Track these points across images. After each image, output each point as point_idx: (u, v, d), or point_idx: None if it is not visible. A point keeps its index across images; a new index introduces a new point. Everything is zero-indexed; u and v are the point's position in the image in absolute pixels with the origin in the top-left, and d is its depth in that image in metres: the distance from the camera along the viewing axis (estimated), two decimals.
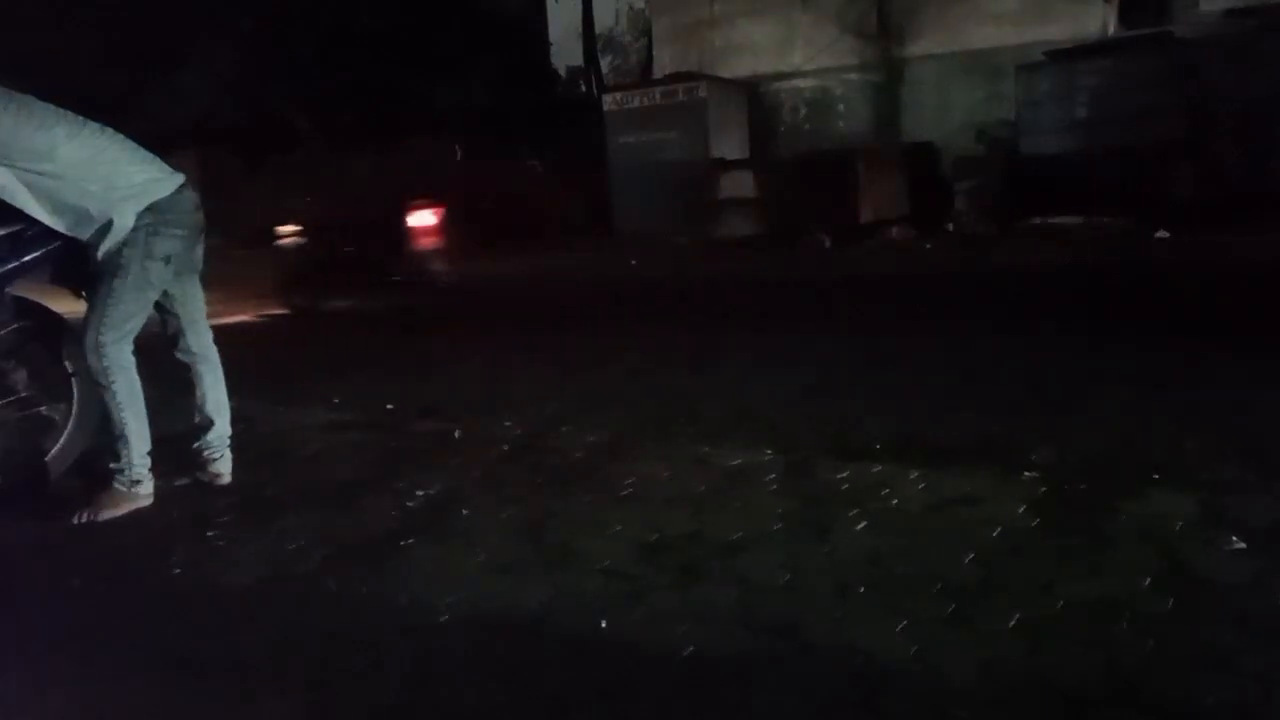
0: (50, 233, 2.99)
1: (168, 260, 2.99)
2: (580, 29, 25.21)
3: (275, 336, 7.44)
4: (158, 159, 3.08)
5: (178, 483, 3.16)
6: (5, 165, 2.79)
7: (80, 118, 2.98)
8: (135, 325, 2.98)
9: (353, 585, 2.37)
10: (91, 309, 2.95)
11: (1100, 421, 3.50)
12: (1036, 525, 2.50)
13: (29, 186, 2.82)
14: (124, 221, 2.88)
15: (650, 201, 15.09)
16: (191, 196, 3.07)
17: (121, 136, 3.05)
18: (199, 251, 3.17)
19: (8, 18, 13.91)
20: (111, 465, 2.97)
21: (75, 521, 2.88)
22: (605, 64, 28.94)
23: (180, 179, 3.06)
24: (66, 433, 3.18)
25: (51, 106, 2.94)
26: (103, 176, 2.89)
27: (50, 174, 2.82)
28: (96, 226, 2.88)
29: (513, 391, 4.65)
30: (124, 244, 2.89)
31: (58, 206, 2.86)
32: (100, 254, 2.90)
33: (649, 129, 15.86)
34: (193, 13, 16.92)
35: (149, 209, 2.92)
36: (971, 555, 2.32)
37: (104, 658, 2.06)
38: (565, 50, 27.07)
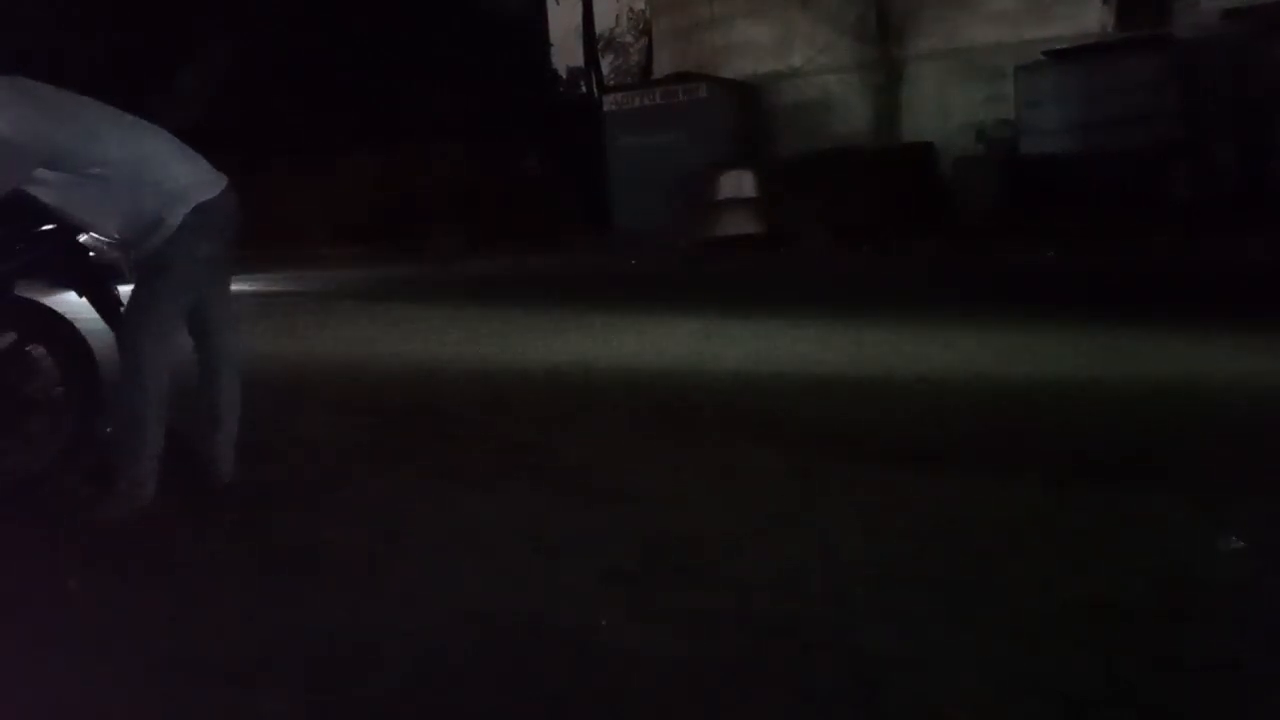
0: (54, 232, 2.99)
1: (210, 261, 2.98)
2: (580, 30, 25.21)
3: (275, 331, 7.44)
4: (202, 158, 3.03)
5: (180, 481, 3.15)
6: (55, 168, 2.71)
7: (127, 114, 2.94)
8: (174, 325, 2.96)
9: (352, 585, 2.37)
10: (131, 309, 2.92)
11: (1100, 421, 3.50)
12: (1036, 525, 2.50)
13: (80, 188, 2.76)
14: (172, 221, 2.84)
15: (650, 201, 15.10)
16: (233, 199, 3.04)
17: (167, 133, 3.00)
18: (231, 250, 3.15)
19: (7, 18, 13.90)
20: (118, 465, 2.95)
21: (77, 521, 2.87)
22: (605, 65, 28.91)
23: (224, 181, 3.03)
24: (69, 434, 3.18)
25: (97, 103, 2.89)
26: (153, 177, 2.85)
27: (101, 175, 2.76)
28: (145, 226, 2.84)
29: (511, 392, 4.65)
30: (168, 244, 2.85)
31: (107, 208, 2.81)
32: (144, 254, 2.86)
33: (649, 129, 15.87)
34: (192, 14, 16.91)
35: (195, 209, 2.88)
36: (971, 555, 2.31)
37: (104, 658, 2.06)
38: (565, 51, 27.07)
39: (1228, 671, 1.75)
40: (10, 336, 3.13)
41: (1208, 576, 2.14)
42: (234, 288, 3.29)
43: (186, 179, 2.93)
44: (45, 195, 2.76)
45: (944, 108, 15.48)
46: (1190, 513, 2.50)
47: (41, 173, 2.71)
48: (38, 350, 3.19)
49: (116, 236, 2.88)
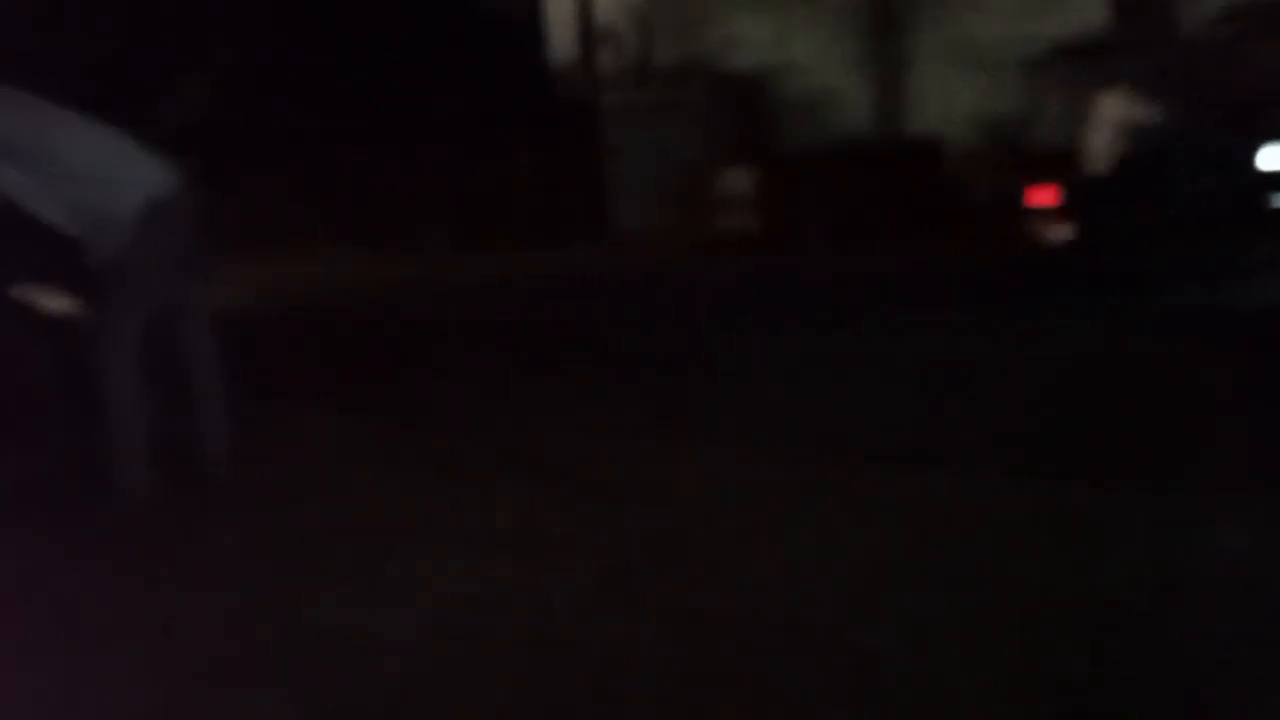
0: (47, 232, 2.99)
1: (172, 259, 3.00)
2: (577, 25, 25.15)
3: (274, 333, 7.43)
4: (159, 159, 3.10)
5: (176, 481, 3.15)
6: (13, 166, 2.80)
7: (85, 118, 3.01)
8: (138, 323, 2.98)
9: (352, 583, 2.36)
10: (96, 308, 2.96)
11: (1102, 419, 3.49)
12: (1037, 524, 2.49)
13: (38, 187, 2.84)
14: (125, 218, 2.89)
15: (649, 198, 15.08)
16: (193, 195, 3.08)
17: (125, 136, 3.07)
18: (201, 250, 3.17)
19: (7, 18, 13.88)
20: (112, 463, 2.96)
21: (75, 521, 2.87)
22: (603, 60, 28.86)
23: (180, 179, 3.07)
24: (68, 434, 3.18)
25: (56, 107, 2.97)
26: (109, 176, 2.91)
27: (58, 174, 2.84)
28: (99, 224, 2.89)
29: (511, 389, 4.64)
30: (130, 243, 2.90)
31: (66, 206, 2.87)
32: (106, 252, 2.91)
33: (647, 126, 15.84)
34: (191, 14, 16.87)
35: (154, 208, 2.93)
36: (972, 554, 2.30)
37: (103, 657, 2.05)
38: (562, 47, 27.00)
39: (1230, 671, 1.74)
40: (9, 337, 3.13)
41: (1210, 575, 2.13)
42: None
43: (144, 178, 2.97)
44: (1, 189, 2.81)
45: (947, 102, 15.45)
46: (1192, 511, 2.49)
47: None
48: (36, 350, 3.19)
49: (73, 233, 2.91)
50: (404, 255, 14.80)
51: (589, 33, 24.68)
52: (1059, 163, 9.38)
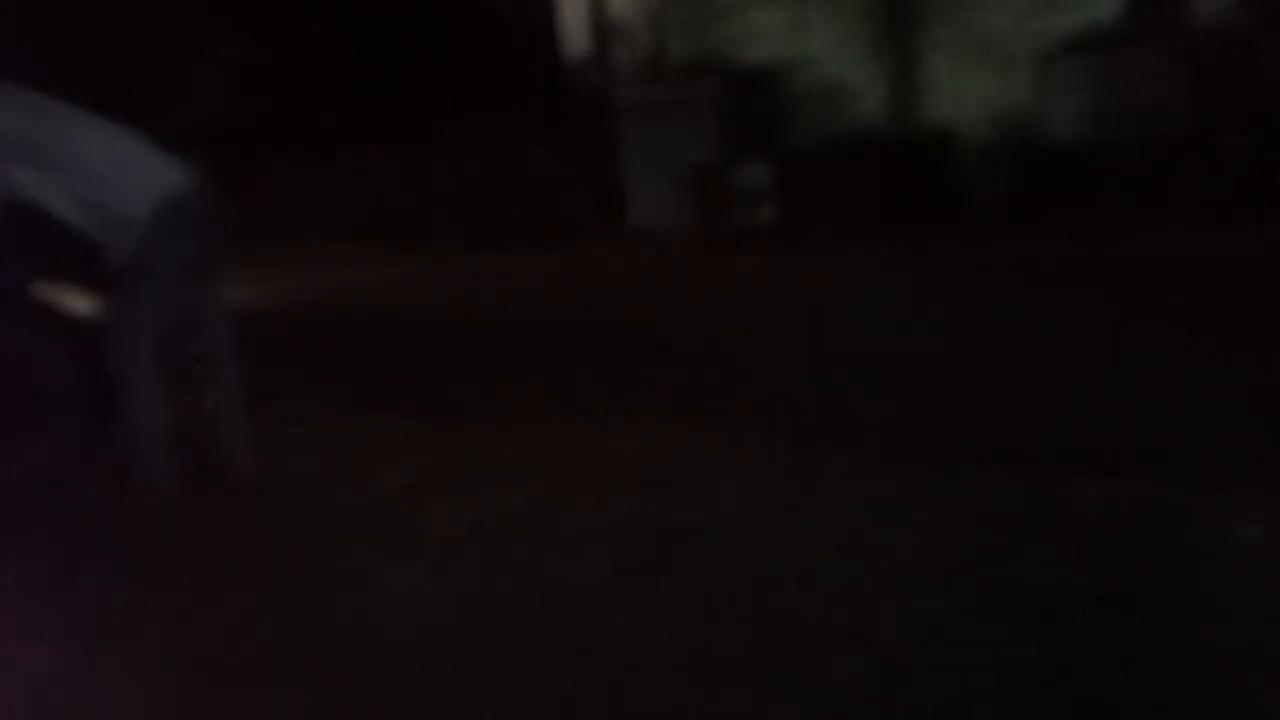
0: (65, 232, 3.01)
1: (187, 259, 3.02)
2: (589, 22, 25.11)
3: (290, 331, 7.46)
4: (172, 158, 3.12)
5: (193, 478, 3.17)
6: (31, 167, 2.84)
7: (97, 118, 3.04)
8: (157, 322, 3.00)
9: (362, 581, 2.38)
10: (115, 307, 2.98)
11: (1113, 414, 3.47)
12: (1051, 517, 2.48)
13: (56, 188, 2.88)
14: (143, 219, 2.92)
15: (663, 194, 15.07)
16: (206, 194, 3.10)
17: (137, 135, 3.10)
18: (215, 249, 3.19)
19: (12, 18, 13.95)
20: (129, 461, 2.98)
21: (92, 518, 2.90)
22: (615, 57, 28.80)
23: (196, 177, 3.09)
24: (84, 432, 3.20)
25: (72, 108, 3.00)
26: (122, 175, 2.94)
27: (75, 174, 2.88)
28: (116, 224, 2.92)
29: (528, 384, 4.65)
30: (143, 242, 2.92)
31: (83, 206, 2.90)
32: (119, 252, 2.93)
33: (660, 122, 15.80)
34: (198, 13, 16.92)
35: (167, 207, 2.95)
36: (986, 547, 2.30)
37: (117, 653, 2.08)
38: (575, 43, 26.98)
39: (1245, 661, 1.74)
40: (26, 335, 3.16)
41: (1224, 566, 2.12)
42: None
43: (157, 177, 3.00)
44: (18, 190, 2.85)
45: (959, 96, 15.36)
46: (1205, 502, 2.48)
47: (10, 167, 2.82)
48: (54, 349, 3.21)
49: (91, 233, 2.94)
50: (416, 253, 14.84)
51: (602, 28, 24.64)
52: None
